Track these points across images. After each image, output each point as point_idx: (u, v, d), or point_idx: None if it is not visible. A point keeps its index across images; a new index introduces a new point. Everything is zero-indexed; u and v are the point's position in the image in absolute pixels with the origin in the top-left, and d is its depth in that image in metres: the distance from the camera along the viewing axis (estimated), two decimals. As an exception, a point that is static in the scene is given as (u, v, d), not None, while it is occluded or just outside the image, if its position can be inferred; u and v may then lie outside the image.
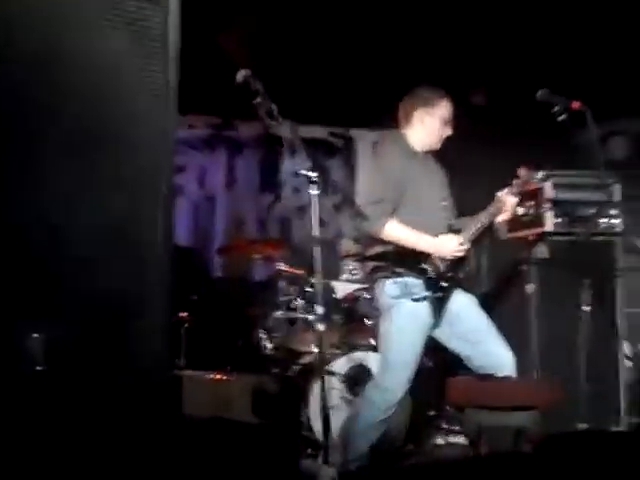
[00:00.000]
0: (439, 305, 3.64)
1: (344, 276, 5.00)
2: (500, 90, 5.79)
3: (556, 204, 5.20)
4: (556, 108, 3.42)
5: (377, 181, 3.74)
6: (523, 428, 2.86)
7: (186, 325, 4.50)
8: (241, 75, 3.22)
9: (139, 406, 2.21)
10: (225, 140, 5.91)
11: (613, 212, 5.38)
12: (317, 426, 4.28)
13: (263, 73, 5.21)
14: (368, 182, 3.83)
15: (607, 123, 6.42)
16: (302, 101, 5.72)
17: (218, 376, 4.27)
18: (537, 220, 5.20)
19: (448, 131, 3.81)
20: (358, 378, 4.40)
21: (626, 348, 6.24)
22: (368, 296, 4.81)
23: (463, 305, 3.73)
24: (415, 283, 3.60)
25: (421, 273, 3.61)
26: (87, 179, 2.20)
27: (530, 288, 5.19)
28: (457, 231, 3.74)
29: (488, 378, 3.21)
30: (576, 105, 3.34)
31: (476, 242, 3.96)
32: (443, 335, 3.75)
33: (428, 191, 3.73)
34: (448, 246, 3.65)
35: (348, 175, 6.14)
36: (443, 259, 3.65)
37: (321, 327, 3.17)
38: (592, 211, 5.35)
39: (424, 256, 3.64)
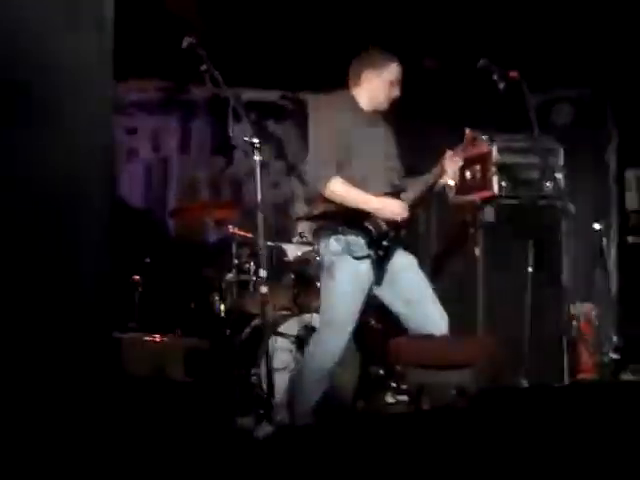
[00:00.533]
0: (380, 264, 3.73)
1: (295, 239, 5.08)
2: (452, 56, 5.85)
3: (502, 168, 5.34)
4: (495, 77, 3.51)
5: (322, 141, 3.80)
6: (461, 385, 2.98)
7: (139, 288, 4.56)
8: (186, 42, 3.25)
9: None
10: (178, 103, 5.91)
11: (557, 176, 5.53)
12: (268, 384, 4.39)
13: (213, 36, 5.31)
14: (313, 142, 3.84)
15: (553, 90, 6.60)
16: (254, 64, 5.74)
17: (152, 338, 4.34)
18: (483, 184, 5.33)
19: (396, 92, 3.88)
20: (308, 339, 4.51)
21: (573, 308, 6.48)
22: (318, 258, 4.90)
23: (403, 266, 3.84)
24: (357, 241, 3.70)
25: (363, 232, 3.71)
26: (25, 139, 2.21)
27: (477, 250, 5.35)
28: (401, 191, 3.83)
29: (428, 337, 3.32)
30: (513, 74, 3.44)
31: (423, 204, 4.08)
32: (383, 294, 3.85)
33: (373, 151, 3.81)
34: (391, 208, 3.74)
35: (300, 138, 6.17)
36: (386, 219, 3.74)
37: (264, 290, 3.26)
38: (537, 175, 5.50)
39: (367, 215, 3.73)
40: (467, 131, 3.91)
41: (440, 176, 3.88)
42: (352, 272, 3.70)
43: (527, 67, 3.87)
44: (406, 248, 3.92)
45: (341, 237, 3.70)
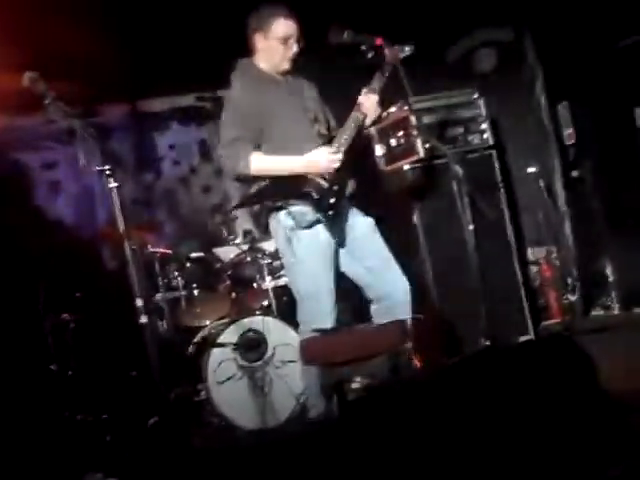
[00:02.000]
0: (336, 223, 3.53)
1: (236, 239, 4.96)
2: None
3: (424, 129, 5.21)
4: (363, 47, 3.39)
5: (228, 120, 3.62)
6: (374, 375, 2.86)
7: (72, 325, 4.44)
8: (27, 78, 3.11)
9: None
10: (92, 127, 5.74)
11: (483, 126, 5.41)
12: (217, 398, 4.31)
13: (113, 49, 5.16)
14: (222, 124, 3.62)
15: (476, 34, 6.44)
16: (162, 72, 5.60)
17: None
18: (409, 149, 5.21)
19: (292, 49, 3.64)
20: (250, 344, 4.42)
21: (530, 254, 6.37)
22: (249, 259, 4.80)
23: (362, 232, 3.68)
24: (302, 210, 3.48)
25: (304, 197, 3.49)
26: None
27: (415, 217, 5.24)
28: (330, 142, 3.61)
29: (335, 333, 3.19)
30: (379, 41, 3.31)
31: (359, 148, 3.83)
32: (347, 267, 3.68)
33: (291, 111, 3.62)
34: (320, 159, 3.50)
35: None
36: (322, 176, 3.52)
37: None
38: (461, 129, 5.38)
39: (303, 179, 3.51)
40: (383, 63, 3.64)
41: (363, 117, 3.62)
42: (309, 242, 3.51)
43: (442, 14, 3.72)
44: (364, 209, 3.75)
45: (285, 210, 3.52)
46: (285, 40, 3.60)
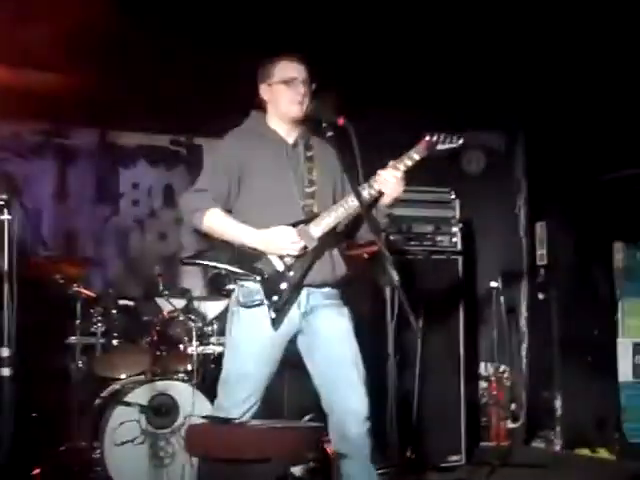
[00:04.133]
0: (287, 312, 3.13)
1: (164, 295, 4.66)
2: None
3: (393, 221, 4.99)
4: (324, 124, 3.13)
5: (204, 169, 3.33)
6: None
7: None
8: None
9: None
10: (55, 148, 5.51)
11: (454, 229, 5.21)
12: (110, 460, 3.97)
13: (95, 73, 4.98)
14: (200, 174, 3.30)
15: (468, 134, 6.30)
16: (144, 110, 5.40)
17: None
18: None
19: (299, 90, 3.21)
20: (159, 409, 4.09)
21: (482, 368, 6.11)
22: (181, 318, 4.51)
23: (330, 329, 3.21)
24: (252, 288, 3.12)
25: (254, 273, 3.11)
26: None
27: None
28: (311, 220, 3.17)
29: (227, 424, 2.86)
30: (341, 121, 3.05)
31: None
32: (302, 352, 3.27)
33: (278, 176, 3.21)
34: (277, 239, 3.09)
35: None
36: (281, 256, 3.13)
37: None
38: (430, 228, 5.17)
39: (260, 254, 3.13)
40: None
41: (353, 207, 3.13)
42: (246, 323, 3.15)
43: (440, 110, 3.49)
44: (346, 304, 3.29)
45: (242, 284, 3.16)
46: (288, 82, 3.23)
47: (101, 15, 4.82)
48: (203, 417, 3.11)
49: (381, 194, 3.21)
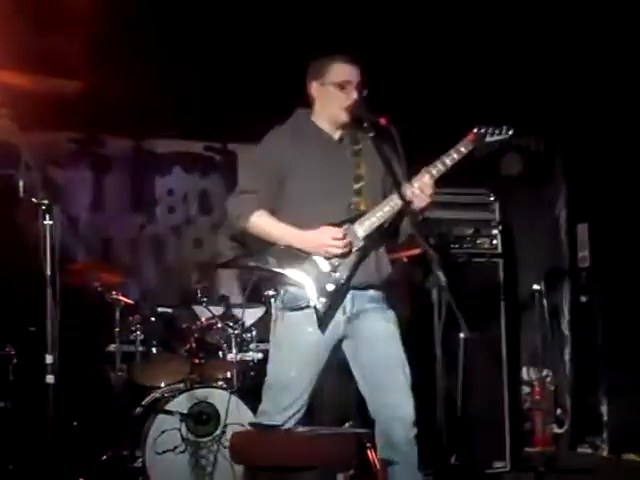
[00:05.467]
0: (334, 315, 3.04)
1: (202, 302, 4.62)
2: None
3: (433, 224, 4.91)
4: (365, 124, 3.06)
5: (248, 170, 3.28)
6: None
7: (14, 361, 4.08)
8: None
9: None
10: (91, 156, 5.51)
11: (494, 232, 5.12)
12: (152, 469, 3.93)
13: (128, 82, 4.97)
14: (240, 175, 3.35)
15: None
16: (179, 116, 5.39)
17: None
18: (413, 241, 4.89)
19: (352, 95, 3.12)
20: (200, 417, 4.05)
21: (524, 373, 5.99)
22: (219, 325, 4.47)
23: (376, 333, 3.13)
24: (295, 290, 3.04)
25: (302, 275, 3.03)
26: None
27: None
28: (355, 220, 3.08)
29: (273, 431, 2.79)
30: (383, 121, 2.97)
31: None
32: (348, 356, 3.17)
33: (324, 173, 3.12)
34: (318, 239, 3.01)
35: (229, 192, 5.76)
36: (327, 257, 3.04)
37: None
38: (470, 231, 5.09)
39: (305, 255, 3.04)
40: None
41: (397, 205, 3.04)
42: (289, 327, 3.09)
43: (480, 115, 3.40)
44: (393, 307, 3.20)
45: (286, 287, 3.08)
46: (342, 86, 3.14)
47: (134, 20, 4.85)
48: (249, 424, 3.04)
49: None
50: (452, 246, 5.03)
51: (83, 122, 5.33)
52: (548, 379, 5.84)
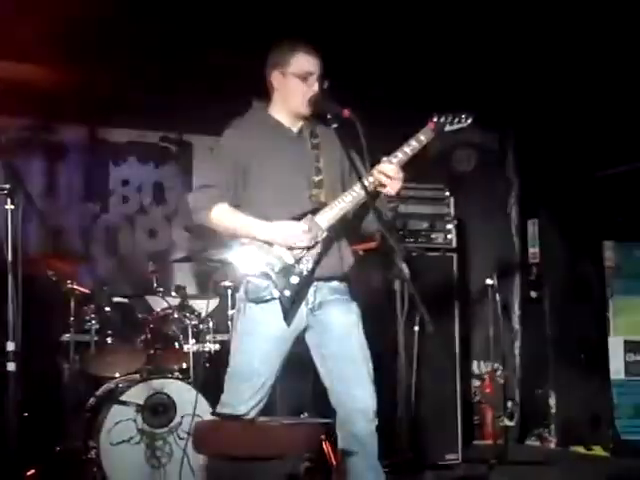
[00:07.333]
0: (297, 307, 3.05)
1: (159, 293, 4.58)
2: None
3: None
4: (329, 116, 3.05)
5: (208, 164, 3.26)
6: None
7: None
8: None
9: None
10: (43, 144, 5.40)
11: (449, 226, 5.18)
12: (106, 460, 3.89)
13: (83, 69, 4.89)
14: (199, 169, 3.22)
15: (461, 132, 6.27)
16: (134, 106, 5.32)
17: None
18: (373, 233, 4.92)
19: (314, 88, 3.11)
20: (156, 408, 4.01)
21: (475, 367, 6.08)
22: (176, 315, 4.44)
23: (338, 325, 3.13)
24: (260, 282, 3.03)
25: (267, 267, 3.01)
26: None
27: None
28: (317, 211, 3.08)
29: (237, 421, 2.78)
30: (346, 113, 2.97)
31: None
32: (311, 347, 3.17)
33: (284, 166, 3.12)
34: (285, 232, 3.02)
35: (184, 182, 5.73)
36: (290, 249, 3.03)
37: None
38: (425, 225, 5.14)
39: (269, 247, 3.04)
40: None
41: (361, 195, 3.02)
42: (251, 319, 3.06)
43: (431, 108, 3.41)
44: (355, 298, 3.21)
45: (249, 279, 3.06)
46: (305, 77, 3.12)
47: (90, 10, 4.76)
48: (212, 414, 3.03)
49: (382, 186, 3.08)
50: (407, 240, 5.06)
51: (36, 109, 5.23)
52: (498, 372, 5.94)
